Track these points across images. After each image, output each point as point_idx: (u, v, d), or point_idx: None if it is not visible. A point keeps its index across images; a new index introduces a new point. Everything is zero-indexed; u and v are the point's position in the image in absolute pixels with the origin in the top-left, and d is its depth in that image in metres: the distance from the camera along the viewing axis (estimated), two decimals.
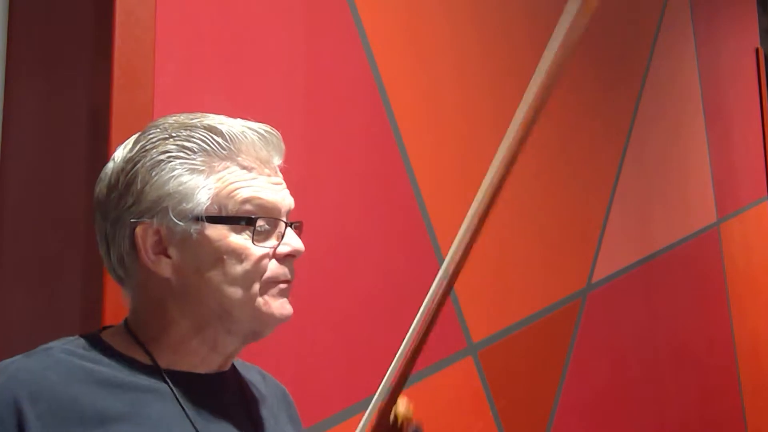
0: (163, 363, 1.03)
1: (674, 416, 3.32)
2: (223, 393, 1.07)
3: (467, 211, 1.14)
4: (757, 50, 4.60)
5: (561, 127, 2.81)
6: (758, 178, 4.50)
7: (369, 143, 2.01)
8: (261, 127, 1.09)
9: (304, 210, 1.79)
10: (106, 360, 1.00)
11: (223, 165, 1.03)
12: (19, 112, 1.56)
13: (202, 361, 1.05)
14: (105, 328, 1.10)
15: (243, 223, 1.03)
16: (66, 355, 0.98)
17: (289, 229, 1.08)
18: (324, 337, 1.80)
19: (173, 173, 1.02)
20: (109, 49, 1.42)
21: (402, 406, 1.21)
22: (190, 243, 1.02)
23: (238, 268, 1.03)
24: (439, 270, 1.11)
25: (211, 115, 1.08)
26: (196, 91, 1.58)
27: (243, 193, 1.03)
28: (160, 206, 1.01)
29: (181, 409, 1.00)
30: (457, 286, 2.22)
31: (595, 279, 2.90)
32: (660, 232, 3.43)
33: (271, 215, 1.06)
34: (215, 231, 1.02)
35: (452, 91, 2.31)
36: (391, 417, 1.26)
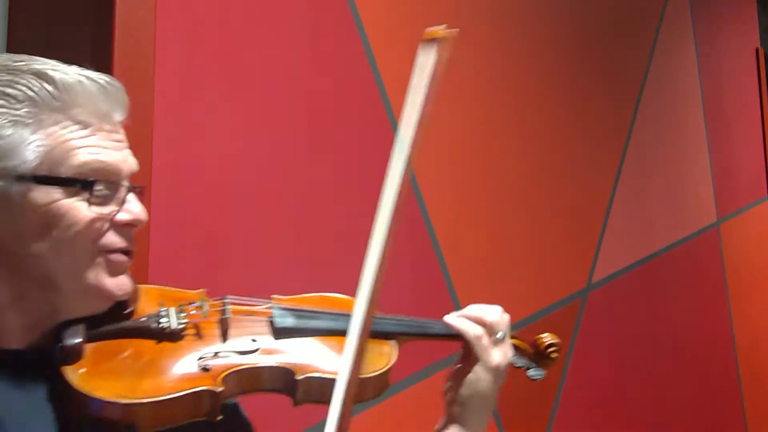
0: None
1: (674, 416, 3.32)
2: (28, 372, 0.90)
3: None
4: (757, 50, 4.60)
5: (561, 127, 2.81)
6: (758, 178, 4.49)
7: (369, 143, 2.01)
8: (100, 76, 0.94)
9: (304, 210, 1.79)
10: None
11: (54, 118, 0.89)
12: None
13: (12, 337, 0.90)
14: None
15: (78, 186, 0.88)
16: None
17: (131, 194, 0.94)
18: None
19: None
20: (109, 49, 1.42)
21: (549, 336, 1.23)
22: (11, 204, 0.87)
23: (68, 234, 0.88)
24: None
25: (41, 59, 0.93)
26: (196, 91, 1.58)
27: (80, 156, 0.88)
28: None
29: None
30: (457, 285, 2.22)
31: (595, 279, 2.90)
32: (660, 232, 3.43)
33: (112, 179, 0.91)
34: (43, 193, 0.87)
35: (452, 89, 2.30)
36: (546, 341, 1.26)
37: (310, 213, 1.77)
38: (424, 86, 1.03)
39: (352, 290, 1.25)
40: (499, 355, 1.17)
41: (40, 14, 1.56)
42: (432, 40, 1.04)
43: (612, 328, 2.95)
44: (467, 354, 1.18)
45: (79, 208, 0.88)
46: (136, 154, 0.96)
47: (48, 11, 1.55)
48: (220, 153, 1.61)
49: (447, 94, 2.29)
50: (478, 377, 1.16)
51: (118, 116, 0.94)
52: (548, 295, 2.63)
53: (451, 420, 1.16)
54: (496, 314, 1.21)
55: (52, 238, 0.88)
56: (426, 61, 1.03)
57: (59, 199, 0.88)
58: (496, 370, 1.17)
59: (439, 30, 1.04)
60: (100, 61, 1.43)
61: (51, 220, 0.88)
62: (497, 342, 1.18)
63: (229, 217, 1.62)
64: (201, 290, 1.06)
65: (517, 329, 2.39)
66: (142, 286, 1.03)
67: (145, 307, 1.00)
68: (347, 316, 1.07)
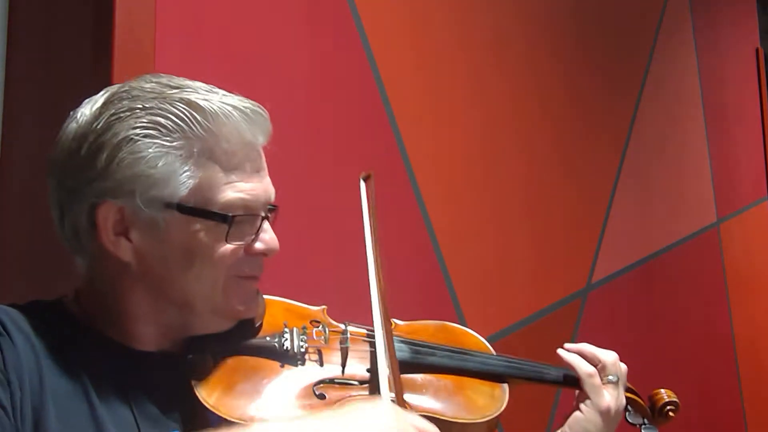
0: (105, 330, 0.96)
1: (674, 416, 3.31)
2: (157, 372, 0.98)
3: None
4: (757, 50, 4.60)
5: (561, 127, 2.80)
6: (758, 178, 4.49)
7: (369, 143, 2.01)
8: (246, 105, 0.98)
9: (304, 209, 1.79)
10: (64, 328, 0.95)
11: (202, 150, 0.93)
12: (19, 112, 1.56)
13: (141, 340, 0.98)
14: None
15: (219, 220, 0.94)
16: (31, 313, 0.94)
17: (266, 224, 0.99)
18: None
19: (144, 154, 0.91)
20: (109, 49, 1.42)
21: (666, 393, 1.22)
22: (156, 230, 0.93)
23: (206, 263, 0.94)
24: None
25: (191, 85, 0.96)
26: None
27: (226, 194, 0.94)
28: (128, 188, 0.91)
29: (120, 382, 0.93)
30: (457, 286, 2.22)
31: (595, 279, 2.90)
32: (660, 232, 3.43)
33: (251, 212, 0.97)
34: (187, 223, 0.93)
35: (452, 89, 2.30)
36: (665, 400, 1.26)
37: (309, 213, 1.77)
38: (370, 212, 1.16)
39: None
40: (611, 398, 1.17)
41: (40, 14, 1.56)
42: (366, 178, 1.18)
43: (612, 328, 2.95)
44: (580, 397, 1.18)
45: (218, 240, 0.94)
46: None
47: (48, 11, 1.55)
48: None
49: (447, 95, 2.29)
50: (587, 418, 1.16)
51: (261, 141, 0.99)
52: (548, 295, 2.63)
53: None
54: (610, 357, 1.23)
55: (192, 265, 0.94)
56: (367, 194, 1.16)
57: (200, 230, 0.93)
58: (606, 414, 1.16)
59: (369, 172, 1.17)
60: (100, 61, 1.43)
61: (193, 249, 0.93)
62: (609, 384, 1.18)
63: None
64: (323, 307, 1.11)
65: (516, 329, 2.40)
66: (269, 299, 1.08)
67: (272, 322, 1.05)
68: (462, 354, 1.13)
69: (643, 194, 3.32)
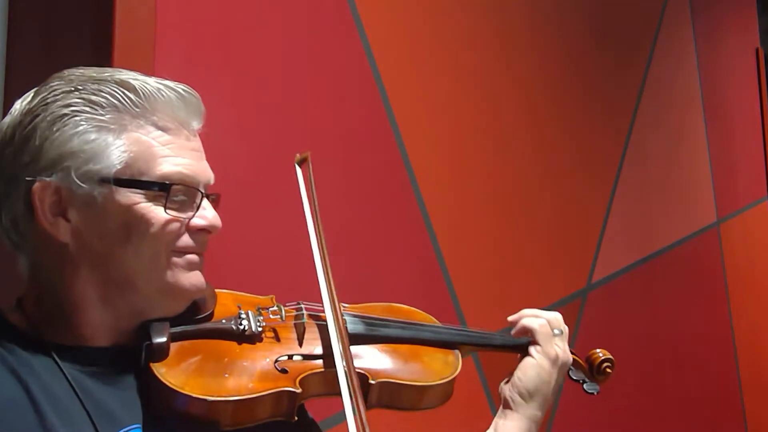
0: (50, 336, 0.93)
1: (674, 416, 3.31)
2: (114, 368, 0.96)
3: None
4: (757, 50, 4.60)
5: (561, 127, 2.81)
6: (758, 178, 4.49)
7: (369, 143, 2.01)
8: (178, 85, 0.99)
9: (303, 210, 1.79)
10: (6, 342, 0.92)
11: (136, 123, 0.93)
12: None
13: (92, 335, 0.95)
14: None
15: (157, 189, 0.93)
16: None
17: (206, 200, 0.99)
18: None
19: (77, 129, 0.91)
20: (109, 49, 1.42)
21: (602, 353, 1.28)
22: (93, 206, 0.92)
23: (145, 236, 0.93)
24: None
25: (125, 71, 0.98)
26: (196, 90, 1.58)
27: (159, 157, 0.93)
28: (62, 165, 0.91)
29: (69, 386, 0.91)
30: (457, 285, 2.22)
31: (595, 279, 2.90)
32: (660, 232, 3.43)
33: (189, 184, 0.96)
34: (124, 196, 0.92)
35: (452, 89, 2.30)
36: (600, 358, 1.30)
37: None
38: (310, 196, 1.16)
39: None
40: (559, 349, 1.22)
41: (40, 14, 1.56)
42: (303, 161, 1.19)
43: (612, 328, 2.95)
44: (528, 351, 1.22)
45: (157, 211, 0.93)
46: None
47: (48, 11, 1.55)
48: (221, 152, 1.61)
49: (447, 94, 2.29)
50: (538, 363, 1.20)
51: (196, 124, 1.00)
52: (548, 295, 2.63)
53: (506, 405, 1.19)
54: (554, 314, 1.28)
55: (131, 240, 0.92)
56: (304, 177, 1.18)
57: (139, 202, 0.92)
58: (555, 361, 1.21)
59: (304, 153, 1.19)
60: (100, 61, 1.43)
61: (131, 222, 0.92)
62: (556, 336, 1.23)
63: (229, 215, 1.62)
64: (271, 296, 1.11)
65: None
66: (219, 291, 1.09)
67: (224, 310, 1.05)
68: (414, 325, 1.17)
69: (643, 194, 3.32)
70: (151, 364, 0.94)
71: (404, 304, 1.28)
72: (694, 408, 3.49)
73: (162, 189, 0.93)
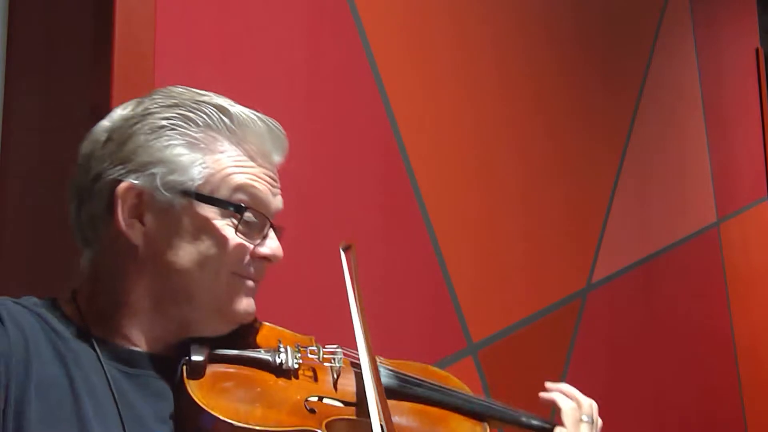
0: (97, 332, 0.97)
1: (674, 416, 3.32)
2: (152, 375, 0.99)
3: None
4: (757, 50, 4.60)
5: (561, 127, 2.81)
6: (758, 178, 4.49)
7: (369, 143, 2.01)
8: (269, 119, 1.05)
9: (304, 210, 1.79)
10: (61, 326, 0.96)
11: (226, 146, 0.99)
12: (19, 112, 1.56)
13: (138, 339, 0.99)
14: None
15: (231, 209, 0.98)
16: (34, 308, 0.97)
17: (272, 231, 1.04)
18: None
19: (171, 142, 0.97)
20: (109, 49, 1.42)
21: None
22: (170, 215, 0.97)
23: (213, 252, 0.97)
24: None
25: (223, 97, 1.04)
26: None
27: (238, 179, 0.99)
28: (149, 170, 0.96)
29: (107, 382, 0.94)
30: (457, 285, 2.22)
31: (595, 279, 2.90)
32: (660, 232, 3.43)
33: (261, 210, 1.01)
34: (200, 210, 0.97)
35: (452, 90, 2.30)
36: None
37: (308, 211, 1.77)
38: (353, 281, 1.17)
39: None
40: None
41: (40, 14, 1.56)
42: (347, 249, 1.22)
43: (612, 328, 2.95)
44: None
45: (228, 232, 0.98)
46: None
47: (48, 11, 1.55)
48: None
49: (447, 94, 2.29)
50: None
51: (278, 158, 1.06)
52: (548, 295, 2.63)
53: None
54: (589, 400, 1.29)
55: (198, 254, 0.97)
56: (348, 265, 1.19)
57: (212, 218, 0.97)
58: None
59: (350, 242, 1.22)
60: (100, 60, 1.43)
61: (202, 236, 0.97)
62: (584, 423, 1.25)
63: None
64: (311, 336, 1.14)
65: (516, 329, 2.40)
66: (261, 323, 1.11)
67: (264, 342, 1.07)
68: (447, 390, 1.16)
69: (643, 194, 3.32)
70: (186, 380, 0.96)
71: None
72: (694, 408, 3.49)
73: (237, 210, 0.98)
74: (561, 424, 1.22)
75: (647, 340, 3.20)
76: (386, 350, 1.24)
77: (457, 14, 2.36)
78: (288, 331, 1.14)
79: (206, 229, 0.97)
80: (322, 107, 1.87)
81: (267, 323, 1.13)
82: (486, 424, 1.17)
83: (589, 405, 1.27)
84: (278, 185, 1.05)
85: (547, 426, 1.24)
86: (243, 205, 0.99)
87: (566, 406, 1.24)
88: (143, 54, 1.46)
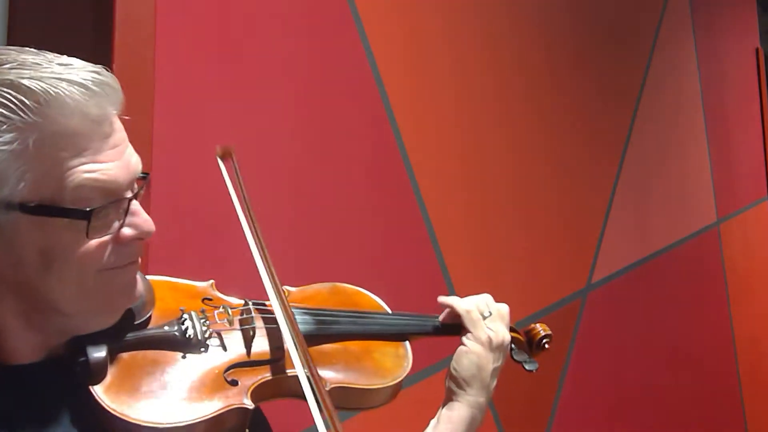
0: None
1: (674, 416, 3.32)
2: (52, 385, 0.86)
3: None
4: (757, 50, 4.60)
5: (561, 127, 2.81)
6: (758, 178, 4.50)
7: (369, 143, 2.01)
8: (86, 77, 0.82)
9: (304, 210, 1.79)
10: None
11: (39, 137, 0.77)
12: None
13: (26, 353, 0.85)
14: None
15: (76, 216, 0.78)
16: None
17: (135, 204, 0.85)
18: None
19: None
20: (109, 49, 1.42)
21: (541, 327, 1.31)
22: (2, 236, 0.78)
23: (69, 265, 0.80)
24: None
25: (15, 57, 0.80)
26: (196, 91, 1.58)
27: (73, 179, 0.78)
28: None
29: None
30: (456, 286, 2.22)
31: (595, 279, 2.90)
32: (660, 232, 3.43)
33: (112, 196, 0.81)
34: (34, 223, 0.78)
35: (452, 90, 2.30)
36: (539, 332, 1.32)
37: (309, 210, 1.78)
38: (237, 189, 1.07)
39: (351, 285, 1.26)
40: (491, 332, 1.19)
41: (40, 13, 1.56)
42: (223, 156, 1.10)
43: (612, 328, 2.95)
44: (460, 338, 1.21)
45: (75, 238, 0.80)
46: (136, 152, 0.91)
47: (48, 10, 1.55)
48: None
49: (448, 95, 2.29)
50: (470, 349, 1.17)
51: (112, 112, 0.83)
52: (548, 295, 2.63)
53: (448, 396, 1.18)
54: (485, 296, 1.25)
55: (52, 268, 0.80)
56: (228, 172, 1.08)
57: (54, 229, 0.79)
58: (488, 345, 1.18)
59: (227, 146, 1.11)
60: (100, 60, 1.43)
61: (49, 252, 0.79)
62: (487, 319, 1.21)
63: (229, 214, 1.62)
64: (211, 281, 1.05)
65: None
66: (153, 280, 0.98)
67: (164, 309, 0.96)
68: (364, 317, 1.12)
69: (643, 194, 3.32)
70: (90, 385, 0.84)
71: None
72: (694, 408, 3.50)
73: (81, 218, 0.78)
74: (465, 330, 1.19)
75: (647, 340, 3.20)
76: None
77: (458, 14, 2.36)
78: (185, 282, 1.03)
79: (51, 242, 0.79)
80: (322, 107, 1.87)
81: (160, 278, 1.01)
82: (407, 343, 1.16)
83: (483, 300, 1.23)
84: (125, 143, 0.84)
85: (455, 325, 1.22)
86: (87, 209, 0.79)
87: (462, 311, 1.20)
88: (143, 54, 1.46)
